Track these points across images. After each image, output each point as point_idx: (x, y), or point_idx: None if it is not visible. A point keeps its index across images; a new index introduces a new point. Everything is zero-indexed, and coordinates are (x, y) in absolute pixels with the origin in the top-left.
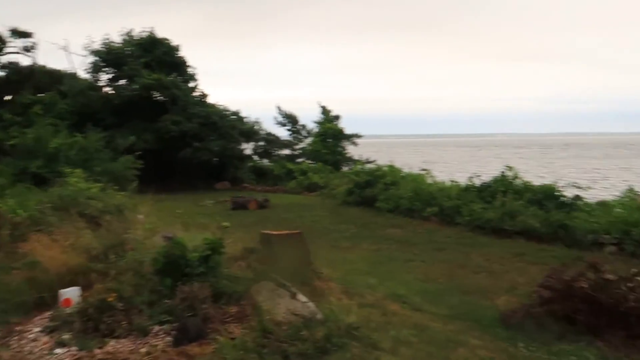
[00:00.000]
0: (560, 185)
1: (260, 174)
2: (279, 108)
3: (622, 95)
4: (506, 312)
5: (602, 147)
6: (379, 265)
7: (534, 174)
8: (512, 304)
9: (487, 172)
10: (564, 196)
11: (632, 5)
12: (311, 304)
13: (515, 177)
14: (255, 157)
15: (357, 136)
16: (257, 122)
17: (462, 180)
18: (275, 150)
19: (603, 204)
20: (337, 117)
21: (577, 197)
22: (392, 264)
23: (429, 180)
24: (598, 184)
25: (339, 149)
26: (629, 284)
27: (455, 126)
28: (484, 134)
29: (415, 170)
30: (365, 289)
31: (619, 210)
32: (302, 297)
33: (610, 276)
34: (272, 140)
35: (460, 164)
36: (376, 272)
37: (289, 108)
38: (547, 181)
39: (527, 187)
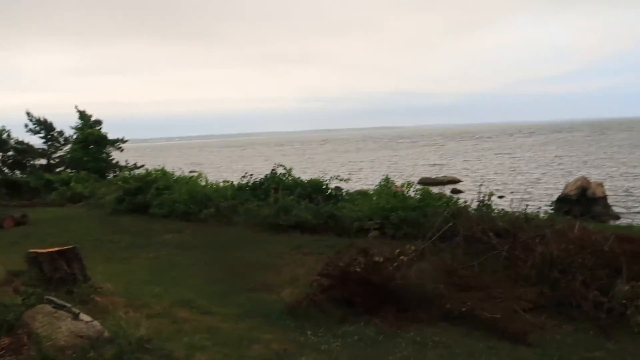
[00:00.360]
0: (325, 178)
1: (13, 187)
2: (29, 114)
3: (369, 93)
4: (292, 303)
5: (354, 142)
6: (161, 272)
7: (299, 169)
8: (296, 295)
9: (254, 170)
10: (330, 188)
11: (374, 10)
12: (96, 323)
13: (288, 175)
14: (5, 169)
15: (122, 141)
16: (3, 130)
17: (234, 179)
18: (29, 160)
19: (363, 193)
20: (98, 122)
21: (338, 189)
22: (175, 269)
23: (203, 182)
24: (354, 175)
25: (103, 155)
26: (395, 264)
27: (219, 127)
28: (250, 134)
29: (185, 172)
30: (151, 299)
31: (377, 198)
32: (85, 317)
33: (377, 258)
34: (24, 150)
35: (228, 163)
36: (159, 280)
37: (44, 113)
38: (311, 175)
39: (297, 183)
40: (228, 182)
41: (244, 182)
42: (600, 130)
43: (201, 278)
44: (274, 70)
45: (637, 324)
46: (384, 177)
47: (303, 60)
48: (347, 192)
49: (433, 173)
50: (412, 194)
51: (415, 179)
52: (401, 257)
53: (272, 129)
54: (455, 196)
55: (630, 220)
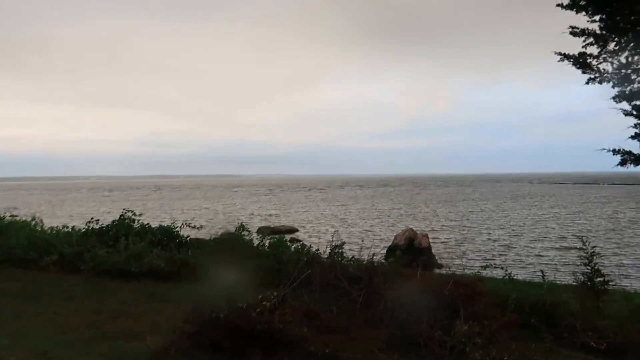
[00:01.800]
0: (177, 225)
1: None
2: None
3: (206, 141)
4: (157, 350)
5: (187, 189)
6: (6, 323)
7: (150, 216)
8: (160, 342)
9: (82, 215)
10: (182, 236)
11: (210, 59)
12: None
13: (135, 220)
14: None
15: None
16: None
17: (65, 223)
18: None
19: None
20: None
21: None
22: (21, 320)
23: (40, 227)
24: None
25: None
26: (258, 309)
27: (42, 169)
28: (77, 177)
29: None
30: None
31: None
32: None
33: (241, 304)
34: None
35: (50, 209)
36: (5, 331)
37: None
38: (156, 222)
39: (147, 229)
40: (68, 227)
41: (89, 227)
42: (422, 185)
43: (54, 328)
44: (107, 112)
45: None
46: (238, 224)
47: (138, 104)
48: (198, 239)
49: (270, 222)
50: (265, 242)
51: (253, 229)
52: (264, 303)
53: (103, 173)
54: (308, 244)
55: (452, 270)
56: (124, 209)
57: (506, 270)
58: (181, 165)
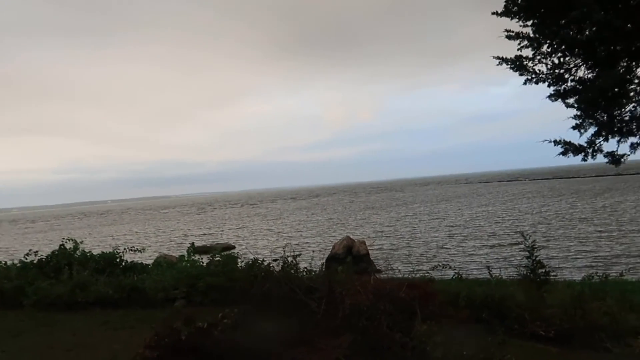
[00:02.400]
0: (119, 250)
1: None
2: None
3: (133, 163)
4: None
5: (117, 214)
6: None
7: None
8: None
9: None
10: (125, 261)
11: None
12: None
13: (76, 249)
14: None
15: None
16: None
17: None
18: None
19: (162, 264)
20: None
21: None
22: None
23: None
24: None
25: None
26: (219, 328)
27: None
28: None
29: None
30: None
31: (180, 266)
32: None
33: (201, 324)
34: None
35: None
36: None
37: None
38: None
39: (90, 257)
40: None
41: (27, 259)
42: (353, 193)
43: None
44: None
45: (437, 358)
46: (190, 245)
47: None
48: (142, 263)
49: (205, 241)
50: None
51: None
52: (225, 321)
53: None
54: (260, 259)
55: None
56: (63, 238)
57: (454, 270)
58: (107, 190)
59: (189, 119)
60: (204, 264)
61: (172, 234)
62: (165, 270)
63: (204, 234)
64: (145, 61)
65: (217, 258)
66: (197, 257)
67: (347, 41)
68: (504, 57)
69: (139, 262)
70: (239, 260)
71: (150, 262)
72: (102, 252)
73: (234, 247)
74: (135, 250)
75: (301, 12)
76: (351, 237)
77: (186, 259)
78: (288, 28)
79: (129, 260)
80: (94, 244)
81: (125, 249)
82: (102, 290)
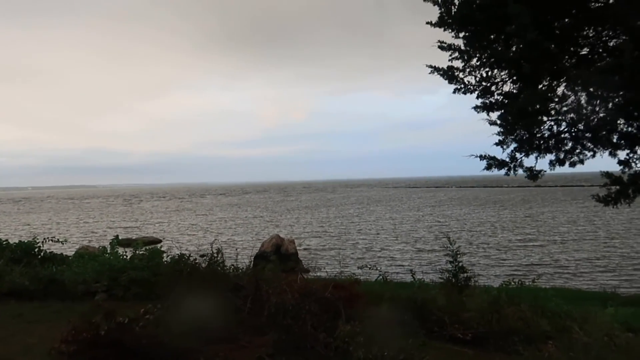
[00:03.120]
0: (38, 240)
1: None
2: None
3: (57, 150)
4: None
5: (35, 202)
6: None
7: None
8: None
9: None
10: (45, 251)
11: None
12: None
13: None
14: None
15: None
16: None
17: None
18: None
19: (84, 255)
20: None
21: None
22: None
23: None
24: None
25: None
26: (141, 324)
27: None
28: None
29: None
30: None
31: (103, 258)
32: None
33: (122, 319)
34: None
35: None
36: None
37: None
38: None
39: (5, 246)
40: None
41: None
42: (283, 192)
43: None
44: None
45: (359, 358)
46: (113, 237)
47: None
48: (62, 254)
49: (130, 234)
50: (138, 252)
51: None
52: (147, 316)
53: None
54: (187, 254)
55: (320, 274)
56: None
57: (380, 272)
58: (28, 177)
59: (117, 107)
60: (128, 258)
61: (95, 225)
62: (86, 262)
63: (130, 227)
64: (72, 46)
65: (142, 252)
66: (121, 249)
67: (279, 40)
68: (436, 66)
69: (59, 253)
70: (165, 254)
71: (71, 253)
72: (20, 241)
73: (160, 241)
74: (56, 241)
75: (231, 6)
76: (281, 235)
77: (109, 251)
78: (218, 21)
79: (48, 251)
80: (10, 233)
81: (45, 239)
82: (17, 280)
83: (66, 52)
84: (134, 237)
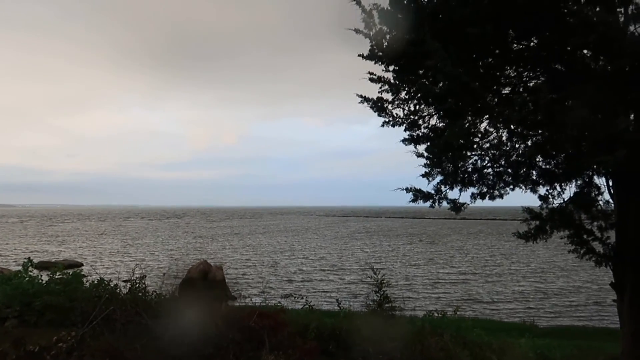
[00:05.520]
0: None
1: None
2: None
3: None
4: None
5: None
6: None
7: None
8: None
9: None
10: None
11: None
12: None
13: None
14: None
15: None
16: None
17: None
18: None
19: None
20: None
21: None
22: None
23: None
24: None
25: None
26: (52, 352)
27: None
28: None
29: None
30: None
31: (16, 281)
32: None
33: (32, 347)
34: None
35: None
36: None
37: None
38: None
39: None
40: None
41: None
42: (212, 218)
43: None
44: None
45: None
46: (26, 259)
47: None
48: None
49: (50, 256)
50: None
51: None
52: (60, 344)
53: None
54: (107, 279)
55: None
56: None
57: (306, 301)
58: None
59: (33, 123)
60: (44, 281)
61: (12, 247)
62: None
63: (50, 249)
64: None
65: (59, 275)
66: (36, 272)
67: (200, 62)
68: (366, 96)
69: None
70: (85, 279)
71: None
72: None
73: (81, 265)
74: None
75: (147, 22)
76: (208, 261)
77: (22, 274)
78: (134, 37)
79: None
80: None
81: None
82: None
83: None
84: (53, 260)
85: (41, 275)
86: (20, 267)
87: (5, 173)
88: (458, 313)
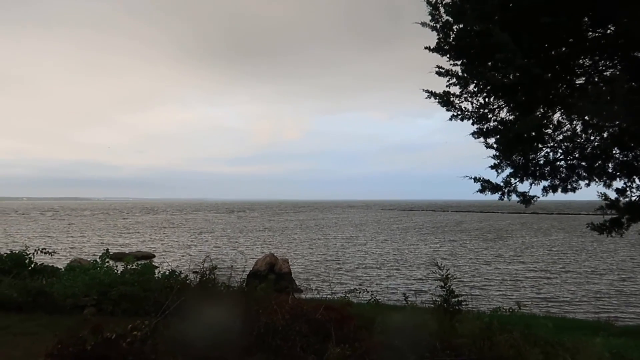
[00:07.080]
0: (28, 252)
1: None
2: None
3: (46, 160)
4: None
5: (40, 212)
6: None
7: None
8: None
9: None
10: (35, 263)
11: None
12: None
13: None
14: None
15: None
16: None
17: None
18: None
19: (76, 268)
20: None
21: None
22: None
23: None
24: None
25: None
26: (128, 340)
27: None
28: None
29: None
30: None
31: (93, 272)
32: None
33: (109, 334)
34: None
35: None
36: None
37: None
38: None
39: None
40: None
41: None
42: (276, 211)
43: None
44: None
45: None
46: (104, 250)
47: None
48: (53, 266)
49: (124, 248)
50: (129, 267)
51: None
52: (135, 332)
53: None
54: (177, 270)
55: (311, 294)
56: None
57: (371, 295)
58: (21, 187)
59: (104, 120)
60: (119, 272)
61: (91, 238)
62: (77, 276)
63: (124, 241)
64: (54, 59)
65: (133, 266)
66: (112, 263)
67: (258, 57)
68: (433, 91)
69: (50, 265)
70: (157, 270)
71: (63, 266)
72: (11, 251)
73: (153, 257)
74: (46, 252)
75: (206, 19)
76: (275, 254)
77: (99, 265)
78: (193, 34)
79: (39, 263)
80: (4, 243)
81: (36, 250)
82: (5, 292)
83: (43, 63)
84: (127, 252)
85: (116, 266)
86: (97, 258)
87: (81, 167)
88: (524, 310)
